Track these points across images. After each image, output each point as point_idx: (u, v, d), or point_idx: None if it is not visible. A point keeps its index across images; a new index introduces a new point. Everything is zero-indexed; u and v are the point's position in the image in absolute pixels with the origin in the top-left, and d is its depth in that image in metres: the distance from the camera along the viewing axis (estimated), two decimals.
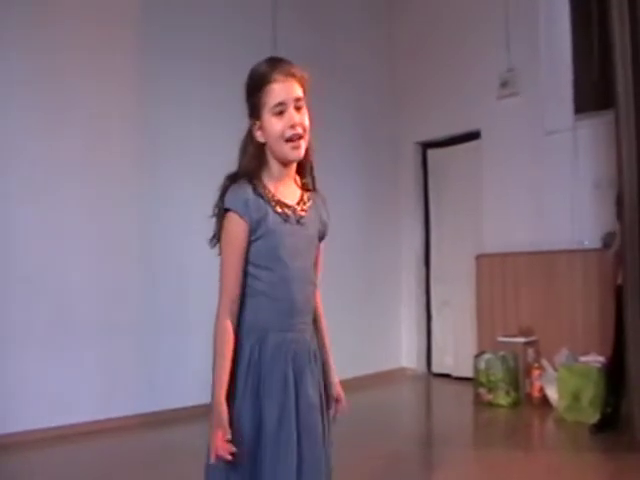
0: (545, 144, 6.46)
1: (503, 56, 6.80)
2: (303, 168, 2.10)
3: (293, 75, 2.01)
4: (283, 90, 1.97)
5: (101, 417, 5.35)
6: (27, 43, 5.21)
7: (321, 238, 2.15)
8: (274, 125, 1.96)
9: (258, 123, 1.99)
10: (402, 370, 7.87)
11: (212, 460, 1.86)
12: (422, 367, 7.87)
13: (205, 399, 5.49)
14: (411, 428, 5.76)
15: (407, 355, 7.95)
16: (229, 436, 1.84)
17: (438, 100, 7.56)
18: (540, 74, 6.50)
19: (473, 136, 7.27)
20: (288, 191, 2.04)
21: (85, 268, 5.43)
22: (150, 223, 5.78)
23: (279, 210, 1.97)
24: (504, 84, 6.83)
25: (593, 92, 6.13)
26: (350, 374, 6.85)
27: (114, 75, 5.69)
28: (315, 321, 2.15)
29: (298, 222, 2.01)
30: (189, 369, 5.72)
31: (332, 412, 2.18)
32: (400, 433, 5.43)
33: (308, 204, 2.07)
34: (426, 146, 8.03)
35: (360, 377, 6.88)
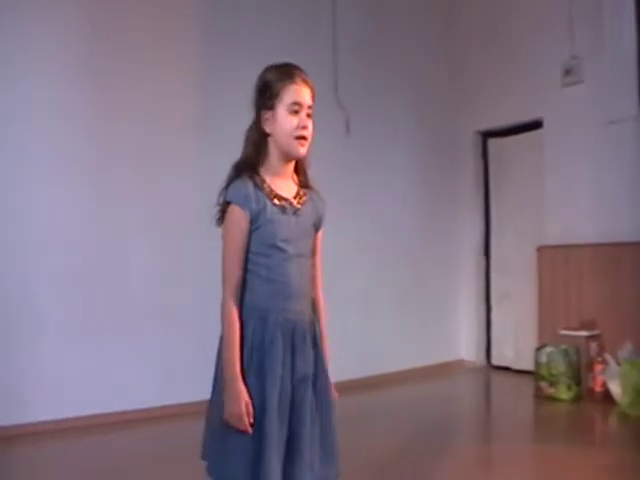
0: (609, 133, 6.29)
1: (567, 43, 6.64)
2: (299, 169, 2.27)
3: (309, 85, 2.19)
4: (301, 93, 2.16)
5: (159, 404, 5.46)
6: (88, 27, 5.37)
7: (317, 229, 2.32)
8: (288, 121, 2.14)
9: (269, 114, 2.16)
10: (461, 362, 7.81)
11: (243, 428, 2.03)
12: (481, 359, 7.80)
13: None
14: (470, 421, 5.72)
15: (466, 347, 7.89)
16: (250, 408, 2.04)
17: (499, 88, 7.45)
18: (604, 62, 6.34)
19: (535, 125, 7.13)
20: (285, 185, 2.22)
21: (143, 254, 5.55)
22: (210, 208, 5.81)
23: (277, 202, 2.16)
24: (567, 72, 6.68)
25: None
26: (408, 365, 6.86)
27: (176, 64, 5.81)
28: (315, 310, 2.31)
29: (294, 213, 2.19)
30: None
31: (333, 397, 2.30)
32: (458, 426, 5.41)
33: (304, 198, 2.24)
34: (487, 135, 7.92)
35: (418, 368, 6.87)
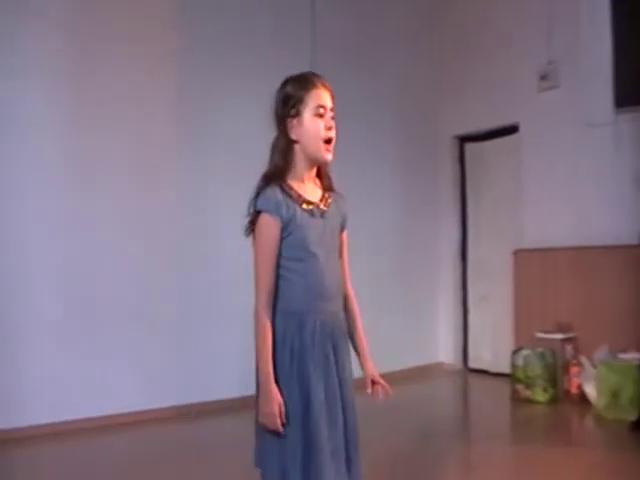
0: (585, 138, 6.36)
1: (543, 49, 6.71)
2: (322, 172, 2.33)
3: (328, 88, 2.27)
4: (325, 97, 2.24)
5: (137, 409, 5.43)
6: (69, 34, 5.35)
7: (342, 229, 2.37)
8: (315, 124, 2.21)
9: (295, 121, 2.21)
10: (439, 365, 7.84)
11: (277, 428, 2.09)
12: (459, 362, 7.84)
13: (241, 392, 5.59)
14: (447, 424, 5.73)
15: (444, 350, 7.92)
16: (283, 408, 2.09)
17: (476, 93, 7.50)
18: (580, 67, 6.40)
19: (512, 130, 7.19)
20: (311, 190, 2.27)
21: (121, 258, 5.53)
22: (187, 214, 5.87)
23: (306, 207, 2.20)
24: (544, 77, 6.74)
25: (634, 85, 6.00)
26: (386, 368, 6.78)
27: (156, 70, 5.79)
28: (346, 305, 2.36)
29: (322, 216, 2.24)
30: (225, 361, 5.82)
31: (370, 392, 2.36)
32: (436, 429, 5.42)
33: (329, 200, 2.30)
34: (464, 140, 7.97)
35: (396, 372, 6.87)
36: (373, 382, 2.36)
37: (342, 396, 2.20)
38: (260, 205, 2.16)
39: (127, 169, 5.59)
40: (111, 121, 5.51)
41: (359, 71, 7.01)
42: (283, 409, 2.09)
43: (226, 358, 5.80)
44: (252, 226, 2.20)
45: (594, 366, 5.72)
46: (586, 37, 6.38)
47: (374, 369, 2.39)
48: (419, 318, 7.74)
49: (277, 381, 2.12)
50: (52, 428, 4.99)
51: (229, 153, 5.98)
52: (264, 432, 2.14)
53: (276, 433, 2.10)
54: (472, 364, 7.75)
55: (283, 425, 2.09)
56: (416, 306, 7.72)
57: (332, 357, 2.20)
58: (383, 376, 2.38)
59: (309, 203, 2.22)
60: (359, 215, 6.77)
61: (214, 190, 5.94)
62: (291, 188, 2.20)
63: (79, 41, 5.39)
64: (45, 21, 5.22)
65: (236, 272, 5.77)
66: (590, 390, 5.70)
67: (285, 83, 2.26)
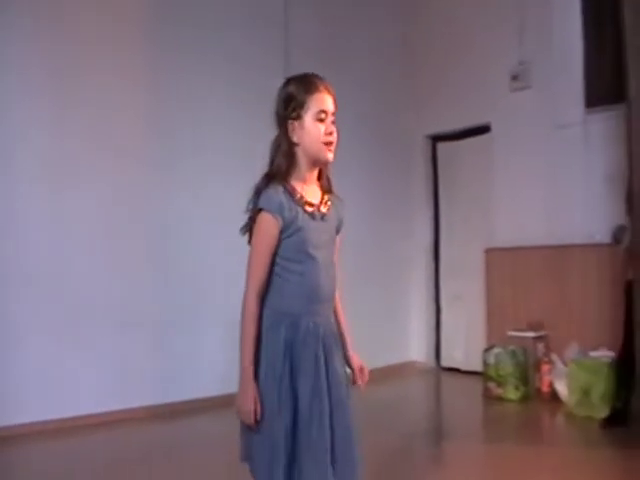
0: (556, 138, 6.42)
1: (514, 49, 6.76)
2: (322, 175, 2.34)
3: (331, 92, 2.27)
4: (327, 101, 2.24)
5: (114, 409, 5.38)
6: (37, 34, 5.26)
7: (337, 232, 2.42)
8: (316, 128, 2.21)
9: (296, 124, 2.22)
10: (411, 364, 7.86)
11: (251, 424, 2.11)
12: (431, 361, 7.87)
13: (219, 391, 5.57)
14: (419, 422, 5.74)
15: (416, 349, 7.95)
16: (259, 405, 2.11)
17: (448, 93, 7.53)
18: (552, 67, 6.46)
19: (484, 129, 7.23)
20: (312, 192, 2.29)
21: (99, 260, 5.48)
22: (166, 215, 5.83)
23: (308, 209, 2.23)
24: (515, 77, 6.80)
25: (605, 86, 6.06)
26: None
27: (125, 70, 5.73)
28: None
29: (322, 219, 2.28)
30: (204, 361, 5.81)
31: (356, 382, 2.44)
32: (408, 427, 5.43)
33: (329, 203, 2.32)
34: (436, 139, 8.00)
35: (369, 371, 6.89)
36: (361, 369, 2.45)
37: (331, 399, 2.19)
38: (262, 204, 2.17)
39: (103, 169, 5.52)
40: (85, 123, 5.46)
41: (332, 71, 6.94)
42: (259, 406, 2.10)
43: (205, 357, 5.80)
44: (251, 224, 2.22)
45: (565, 364, 5.77)
46: (557, 37, 6.45)
47: (359, 359, 2.48)
48: (392, 317, 7.75)
49: (267, 376, 2.14)
50: (30, 428, 4.93)
51: (210, 153, 5.94)
52: (250, 427, 2.15)
53: (264, 427, 2.11)
54: (444, 363, 7.78)
55: (257, 422, 2.10)
56: (389, 305, 7.73)
57: (322, 360, 2.20)
58: None
59: (311, 205, 2.24)
60: None
61: (195, 188, 5.90)
62: (294, 189, 2.21)
63: (51, 43, 5.32)
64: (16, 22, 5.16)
65: (216, 272, 5.76)
66: (561, 388, 5.75)
67: (287, 83, 2.26)
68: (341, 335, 2.41)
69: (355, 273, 7.20)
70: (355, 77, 7.33)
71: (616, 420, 5.00)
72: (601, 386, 5.30)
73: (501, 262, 6.82)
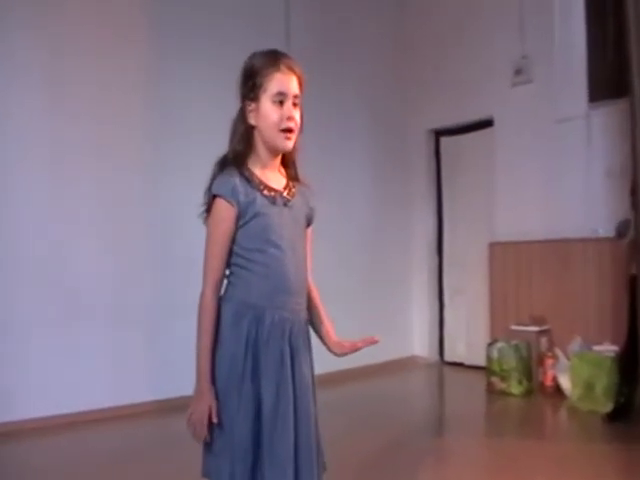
0: (558, 132, 6.40)
1: (517, 43, 6.74)
2: (287, 161, 2.16)
3: (295, 72, 2.08)
4: (286, 82, 2.04)
5: (112, 404, 5.39)
6: (33, 23, 5.26)
7: (309, 223, 2.22)
8: (272, 113, 2.03)
9: (253, 105, 2.05)
10: (414, 358, 7.86)
11: (200, 434, 1.96)
12: (434, 355, 7.87)
13: None
14: (423, 417, 5.75)
15: (419, 343, 7.95)
16: (214, 412, 1.94)
17: (451, 87, 7.51)
18: (554, 61, 6.44)
19: (486, 124, 7.22)
20: (274, 177, 2.11)
21: (95, 253, 5.49)
22: (161, 208, 5.82)
23: (266, 193, 2.04)
24: (518, 71, 6.78)
25: (607, 80, 6.05)
26: (361, 362, 6.85)
27: (125, 55, 5.73)
28: (309, 304, 2.20)
29: (285, 205, 2.08)
30: None
31: (360, 344, 2.22)
32: (411, 422, 5.43)
33: (294, 190, 2.14)
34: (439, 134, 7.99)
35: (371, 365, 6.87)
36: (350, 346, 2.22)
37: (296, 404, 2.01)
38: (215, 189, 2.01)
39: (96, 163, 5.52)
40: (81, 114, 5.45)
41: (330, 67, 6.98)
42: (214, 415, 1.94)
43: None
44: (207, 212, 2.06)
45: (568, 358, 5.77)
46: (560, 31, 6.42)
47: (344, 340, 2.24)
48: (394, 312, 7.74)
49: (229, 377, 1.99)
50: (30, 424, 4.93)
51: (207, 139, 5.91)
52: (213, 438, 1.99)
53: (223, 435, 1.96)
54: (447, 357, 7.79)
55: (213, 431, 1.96)
56: (391, 300, 7.73)
57: (288, 359, 2.02)
58: (358, 370, 2.33)
59: (271, 189, 2.06)
60: (334, 209, 6.85)
61: (186, 184, 5.89)
62: (252, 174, 2.04)
63: (47, 35, 5.32)
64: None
65: None
66: (564, 382, 5.75)
67: (251, 57, 2.09)
68: (322, 323, 2.23)
69: (358, 268, 7.22)
70: (357, 70, 7.33)
71: (619, 414, 5.00)
72: (604, 380, 5.30)
73: (504, 256, 6.81)
